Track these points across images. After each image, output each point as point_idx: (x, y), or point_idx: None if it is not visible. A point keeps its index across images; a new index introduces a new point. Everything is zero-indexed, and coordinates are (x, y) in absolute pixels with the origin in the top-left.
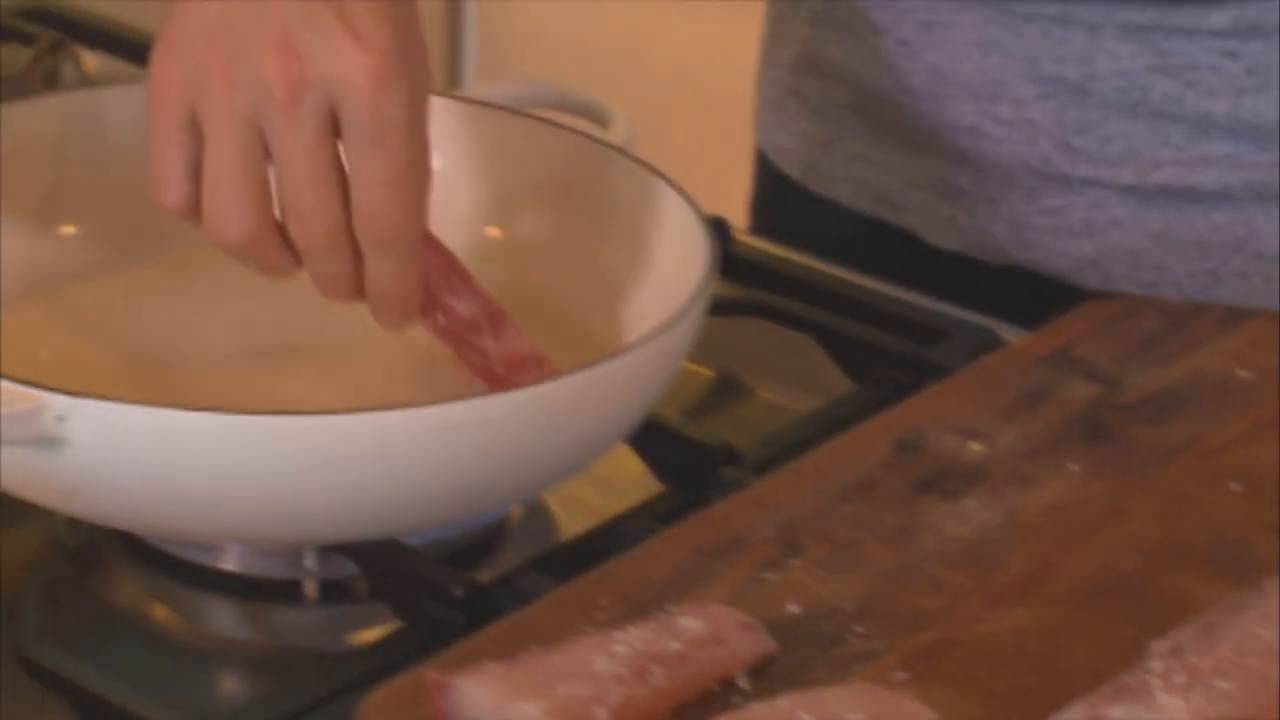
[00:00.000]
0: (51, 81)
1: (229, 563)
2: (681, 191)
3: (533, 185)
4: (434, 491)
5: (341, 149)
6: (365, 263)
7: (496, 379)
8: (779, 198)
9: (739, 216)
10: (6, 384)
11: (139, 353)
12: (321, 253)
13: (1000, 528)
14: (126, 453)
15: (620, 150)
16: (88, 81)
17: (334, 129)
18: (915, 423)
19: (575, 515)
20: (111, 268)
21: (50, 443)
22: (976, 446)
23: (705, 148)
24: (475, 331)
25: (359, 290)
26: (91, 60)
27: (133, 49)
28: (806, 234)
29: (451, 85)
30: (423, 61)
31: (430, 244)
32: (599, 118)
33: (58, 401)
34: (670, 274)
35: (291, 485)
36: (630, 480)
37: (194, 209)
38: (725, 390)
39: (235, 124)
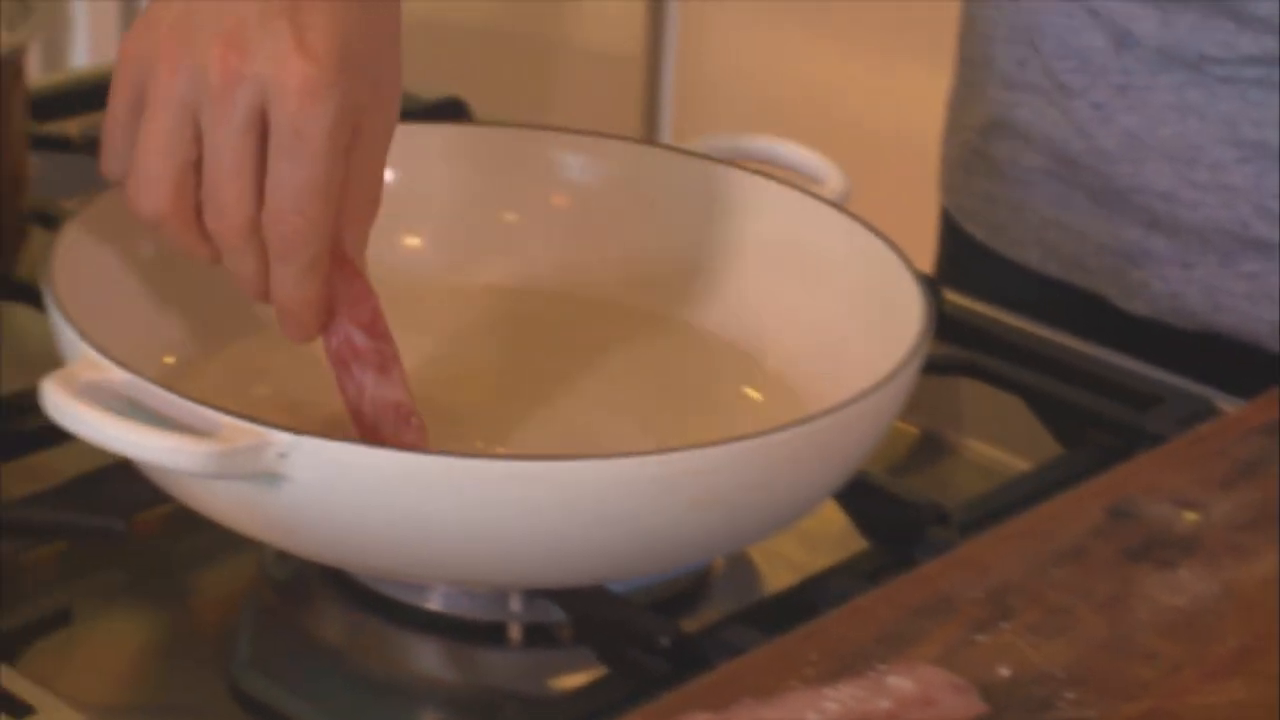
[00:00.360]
0: None
1: (434, 602)
2: (898, 249)
3: (749, 240)
4: (643, 541)
5: None
6: (270, 269)
7: (361, 416)
8: (965, 259)
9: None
10: (230, 419)
11: None
12: (232, 247)
13: (1216, 599)
14: (343, 491)
15: (836, 206)
16: None
17: (263, 130)
18: (1128, 490)
19: (778, 569)
20: None
21: (270, 478)
22: (1191, 516)
23: (898, 204)
24: (361, 365)
25: (262, 289)
26: None
27: None
28: (993, 295)
29: (649, 138)
30: (370, 81)
31: (343, 265)
32: (813, 174)
33: (280, 438)
34: (885, 332)
35: (501, 529)
36: (833, 536)
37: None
38: (932, 449)
39: (170, 105)
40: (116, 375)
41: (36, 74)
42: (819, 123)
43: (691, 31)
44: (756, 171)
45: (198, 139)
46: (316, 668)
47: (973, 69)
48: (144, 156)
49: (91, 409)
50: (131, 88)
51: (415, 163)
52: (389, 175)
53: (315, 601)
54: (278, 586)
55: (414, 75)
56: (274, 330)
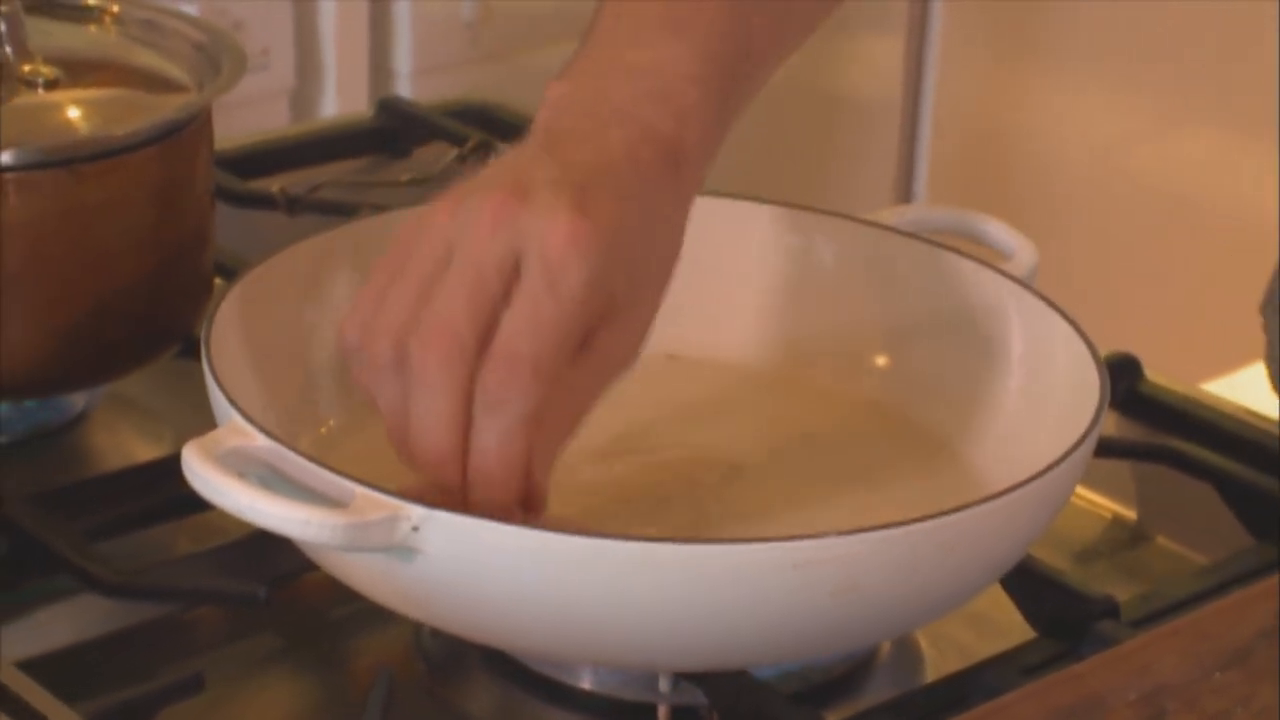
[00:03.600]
0: None
1: (585, 681)
2: (1078, 327)
3: (926, 313)
4: (781, 630)
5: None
6: (474, 417)
7: None
8: None
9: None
10: (364, 490)
11: None
12: (430, 373)
13: None
14: (476, 566)
15: (1019, 282)
16: None
17: (509, 283)
18: None
19: (946, 653)
20: None
21: (404, 551)
22: None
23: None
24: None
25: (447, 441)
26: None
27: None
28: None
29: (900, 202)
30: (628, 280)
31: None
32: (1002, 247)
33: (413, 511)
34: (1063, 413)
35: (631, 611)
36: (1008, 620)
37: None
38: (1121, 535)
39: (435, 244)
40: (259, 441)
41: (283, 123)
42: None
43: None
44: (937, 244)
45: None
46: None
47: None
48: (397, 294)
49: (225, 476)
50: (400, 248)
51: None
52: None
53: (464, 674)
54: (429, 658)
55: None
56: None
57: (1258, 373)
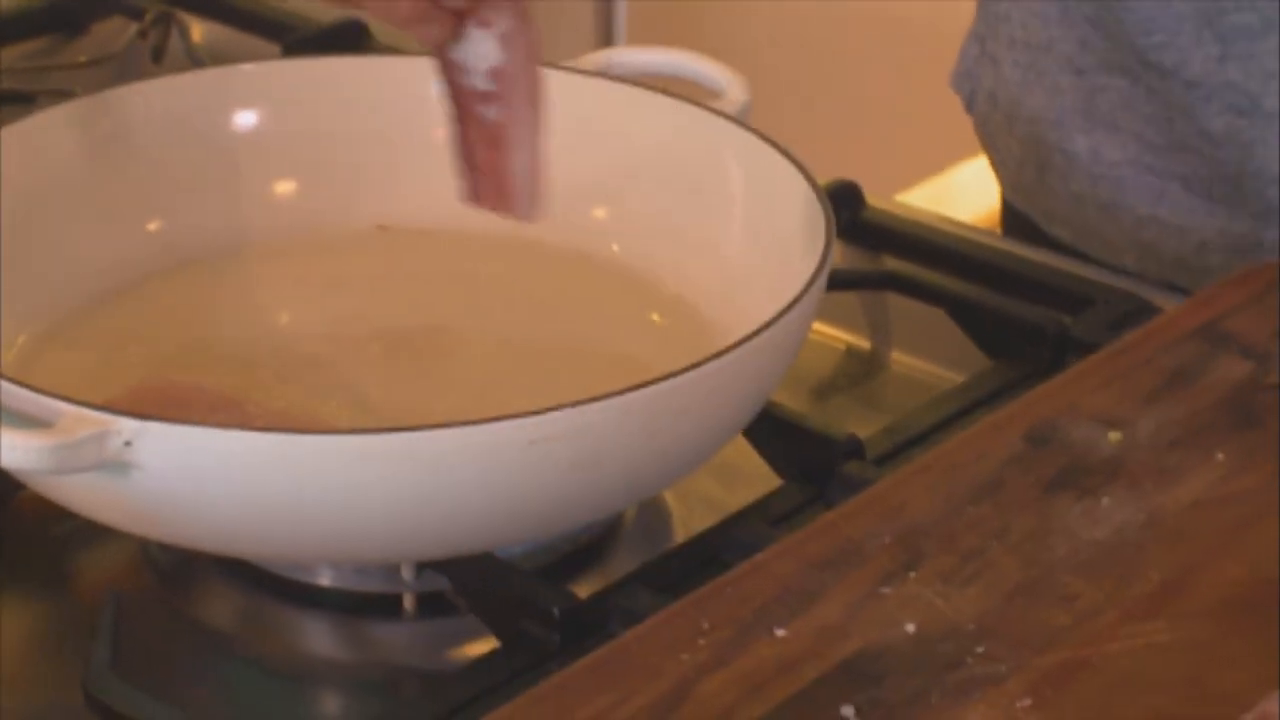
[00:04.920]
0: (159, 57)
1: (324, 578)
2: (797, 162)
3: (640, 160)
4: (522, 508)
5: None
6: None
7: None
8: None
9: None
10: (70, 407)
11: (231, 350)
12: None
13: (1139, 529)
14: (196, 476)
15: (733, 120)
16: (196, 56)
17: None
18: (1049, 412)
19: (694, 509)
20: (194, 264)
21: (118, 468)
22: (1115, 436)
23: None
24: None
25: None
26: (199, 28)
27: (243, 17)
28: None
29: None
30: None
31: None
32: (713, 86)
33: (124, 425)
34: (788, 252)
35: (362, 506)
36: (754, 468)
37: None
38: (856, 366)
39: None
40: None
41: None
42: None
43: None
44: (645, 87)
45: None
46: (203, 654)
47: (1028, 51)
48: None
49: None
50: None
51: (292, 100)
52: (255, 118)
53: (199, 584)
54: (159, 568)
55: None
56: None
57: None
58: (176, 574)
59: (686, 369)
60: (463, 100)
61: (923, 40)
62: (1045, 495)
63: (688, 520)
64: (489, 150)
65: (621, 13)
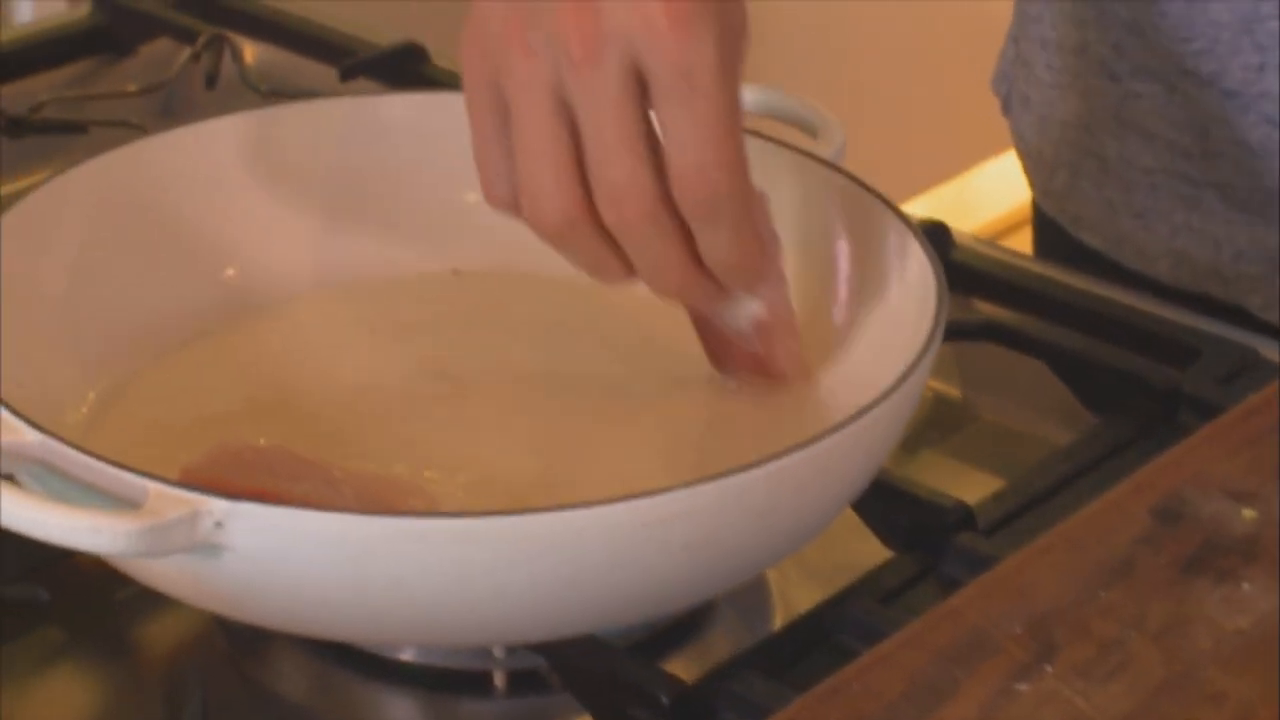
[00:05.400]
0: (212, 83)
1: (410, 654)
2: (899, 211)
3: None
4: (635, 590)
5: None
6: (696, 238)
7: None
8: (1082, 271)
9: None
10: (158, 486)
11: (307, 403)
12: (640, 233)
13: None
14: (288, 558)
15: (831, 166)
16: (251, 81)
17: (642, 91)
18: (1174, 483)
19: (789, 575)
20: (266, 310)
21: (208, 549)
22: (1249, 514)
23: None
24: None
25: (691, 274)
26: (251, 50)
27: (298, 39)
28: None
29: None
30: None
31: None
32: (808, 126)
33: (215, 505)
34: (892, 309)
35: (470, 589)
36: (849, 528)
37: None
38: (946, 415)
39: (536, 95)
40: (29, 437)
41: None
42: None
43: None
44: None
45: (575, 125)
46: None
47: (1060, 54)
48: (528, 164)
49: None
50: (487, 93)
51: (367, 138)
52: (331, 158)
53: (276, 652)
54: (234, 636)
55: (367, 17)
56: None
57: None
58: (251, 643)
59: (804, 444)
60: (719, 333)
61: (931, 42)
62: (1181, 578)
63: (784, 589)
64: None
65: None
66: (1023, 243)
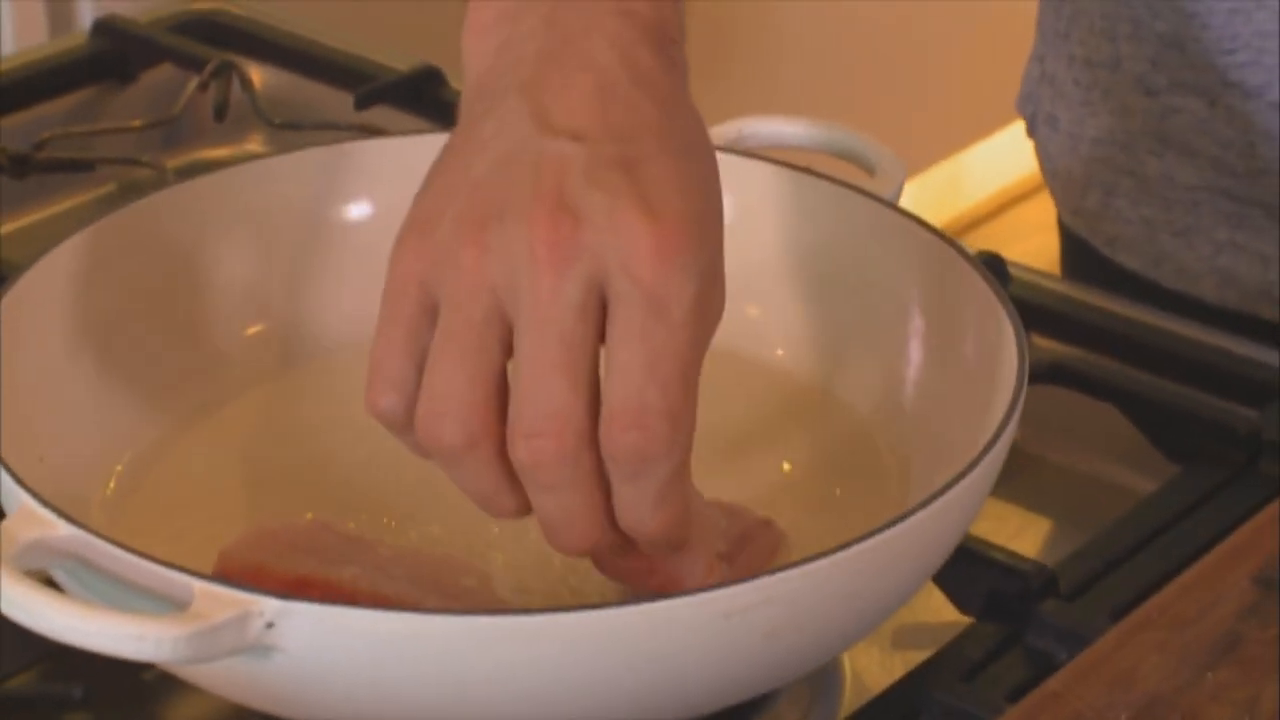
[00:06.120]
0: (221, 114)
1: None
2: (964, 251)
3: (792, 252)
4: (715, 680)
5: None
6: (615, 492)
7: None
8: (1119, 294)
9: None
10: (204, 585)
11: (342, 471)
12: (552, 474)
13: None
14: (343, 659)
15: (897, 209)
16: (263, 113)
17: (599, 317)
18: (1274, 546)
19: (858, 646)
20: (294, 369)
21: (259, 650)
22: None
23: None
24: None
25: (595, 532)
26: (259, 74)
27: (311, 64)
28: None
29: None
30: (717, 240)
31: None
32: (864, 162)
33: (266, 605)
34: (968, 365)
35: (539, 686)
36: (924, 594)
37: (407, 419)
38: (1009, 459)
39: (476, 297)
40: (62, 531)
41: None
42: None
43: None
44: (792, 167)
45: (508, 348)
46: None
47: (1089, 70)
48: (444, 370)
49: (26, 588)
50: (416, 290)
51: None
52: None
53: None
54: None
55: (381, 38)
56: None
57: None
58: None
59: (892, 523)
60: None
61: (911, 39)
62: None
63: (853, 659)
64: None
65: None
66: (1014, 223)
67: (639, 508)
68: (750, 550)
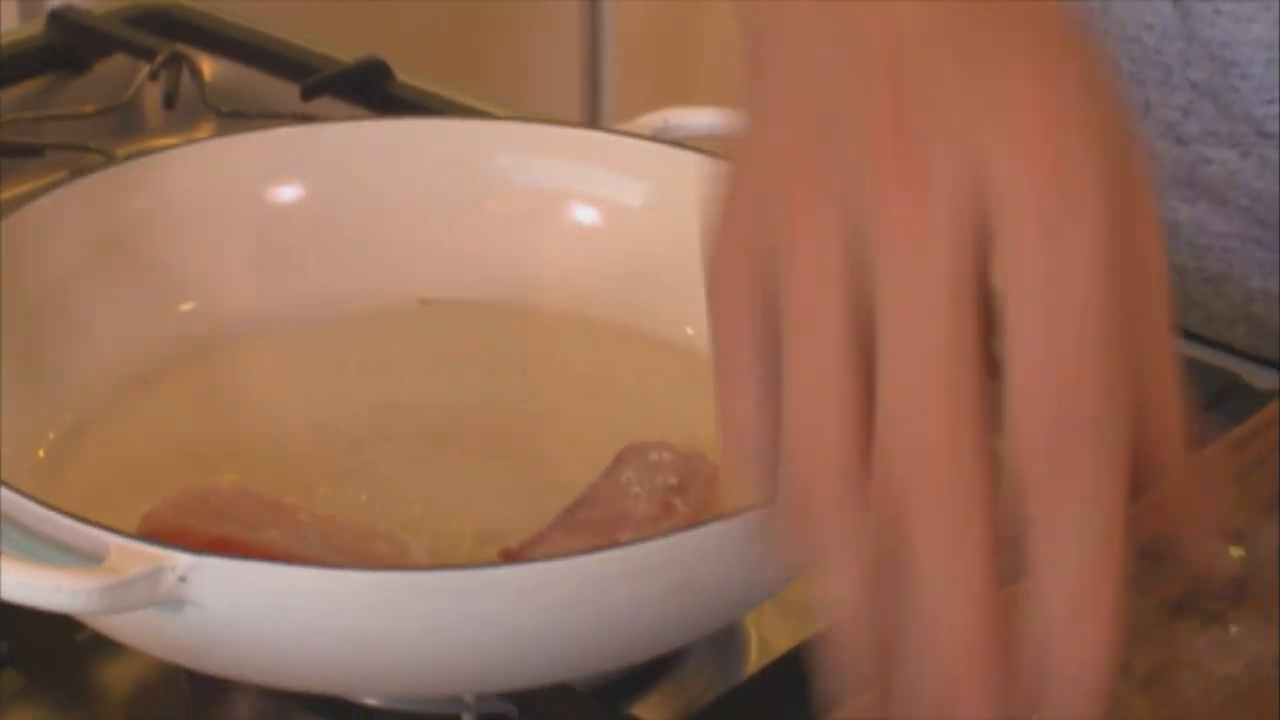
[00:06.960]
0: (171, 102)
1: (375, 699)
2: None
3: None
4: (612, 638)
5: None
6: (1033, 531)
7: None
8: None
9: None
10: (120, 540)
11: (270, 443)
12: (938, 516)
13: (1273, 663)
14: (255, 613)
15: None
16: (211, 102)
17: (980, 254)
18: (1160, 522)
19: (764, 611)
20: (225, 347)
21: (172, 604)
22: (1237, 552)
23: None
24: None
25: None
26: (209, 65)
27: (259, 55)
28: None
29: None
30: (1131, 160)
31: None
32: None
33: (179, 560)
34: None
35: (441, 641)
36: None
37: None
38: None
39: (833, 298)
40: None
41: None
42: None
43: None
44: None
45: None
46: None
47: None
48: (795, 399)
49: None
50: (749, 305)
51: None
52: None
53: (240, 697)
54: (196, 679)
55: (329, 32)
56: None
57: None
58: (215, 687)
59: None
60: None
61: None
62: (1169, 622)
63: (758, 622)
64: None
65: (608, 60)
66: None
67: (1069, 558)
68: (697, 482)
